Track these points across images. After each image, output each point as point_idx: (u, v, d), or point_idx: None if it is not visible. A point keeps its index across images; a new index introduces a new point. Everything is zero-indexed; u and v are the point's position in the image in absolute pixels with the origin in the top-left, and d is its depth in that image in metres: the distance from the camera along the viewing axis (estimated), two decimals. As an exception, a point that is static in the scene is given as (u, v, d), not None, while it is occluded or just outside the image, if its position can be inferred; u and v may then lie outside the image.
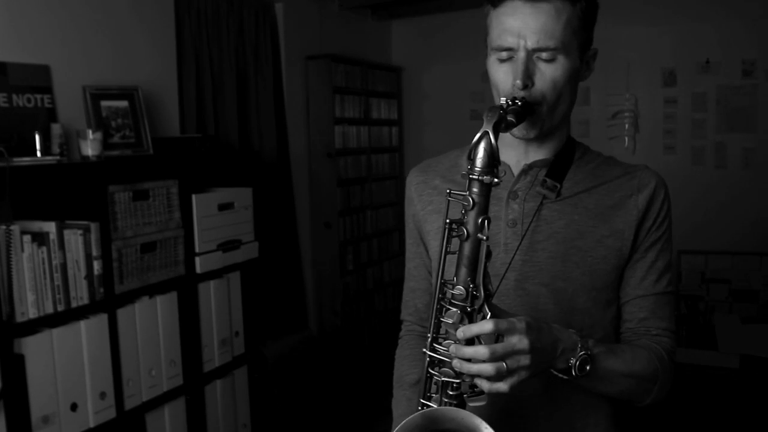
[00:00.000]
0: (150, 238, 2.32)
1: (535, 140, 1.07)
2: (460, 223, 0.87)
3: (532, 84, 0.98)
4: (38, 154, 2.22)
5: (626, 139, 4.45)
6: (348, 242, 4.30)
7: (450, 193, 0.88)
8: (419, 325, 1.23)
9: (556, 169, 1.08)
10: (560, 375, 0.94)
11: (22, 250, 1.90)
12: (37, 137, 2.22)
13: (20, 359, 1.89)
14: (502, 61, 1.00)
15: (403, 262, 1.28)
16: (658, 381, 1.04)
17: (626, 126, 4.44)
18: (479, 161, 0.85)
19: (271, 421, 3.12)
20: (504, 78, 1.00)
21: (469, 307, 0.86)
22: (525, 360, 0.85)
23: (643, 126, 4.42)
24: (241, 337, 2.79)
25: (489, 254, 0.87)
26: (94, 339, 2.10)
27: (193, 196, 2.51)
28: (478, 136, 0.86)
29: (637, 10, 4.28)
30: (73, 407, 2.04)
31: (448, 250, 0.89)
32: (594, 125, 4.52)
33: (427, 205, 1.17)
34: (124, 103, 2.59)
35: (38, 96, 2.33)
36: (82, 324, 2.07)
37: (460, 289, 0.86)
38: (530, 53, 0.97)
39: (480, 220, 0.85)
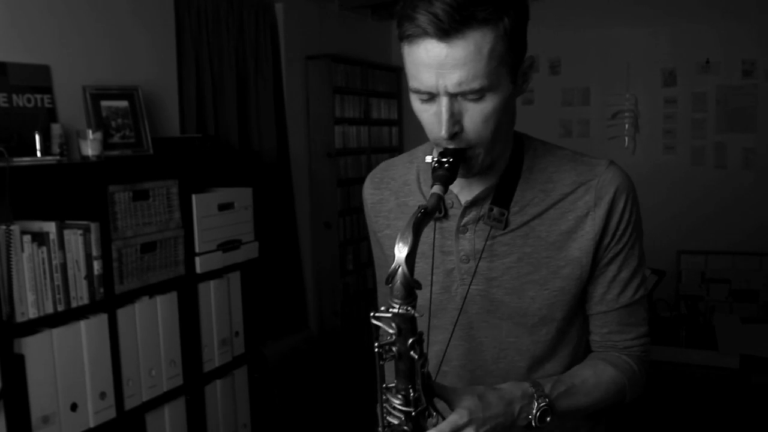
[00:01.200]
0: (150, 238, 2.32)
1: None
2: (390, 344, 0.84)
3: (461, 129, 0.88)
4: (38, 154, 2.22)
5: (626, 139, 4.45)
6: (348, 242, 4.30)
7: (374, 316, 0.84)
8: None
9: (500, 194, 0.99)
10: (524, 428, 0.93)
11: (22, 250, 1.90)
12: (37, 137, 2.22)
13: (20, 359, 1.89)
14: (423, 101, 0.89)
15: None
16: (626, 394, 1.03)
17: (626, 126, 4.45)
18: (396, 293, 0.82)
19: (271, 421, 3.12)
20: (430, 121, 0.90)
21: (413, 411, 0.85)
22: None
23: (643, 126, 4.42)
24: (241, 337, 2.79)
25: (425, 363, 0.85)
26: (94, 339, 2.10)
27: (193, 196, 2.51)
28: (392, 266, 0.82)
29: (637, 10, 4.28)
30: (73, 407, 2.04)
31: (382, 363, 0.87)
32: (594, 125, 4.52)
33: (384, 229, 1.14)
34: (124, 103, 2.59)
35: (38, 96, 2.33)
36: (82, 324, 2.07)
37: (400, 397, 0.85)
38: (453, 97, 0.86)
39: (409, 343, 0.83)
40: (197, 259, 2.53)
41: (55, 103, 2.39)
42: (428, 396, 0.86)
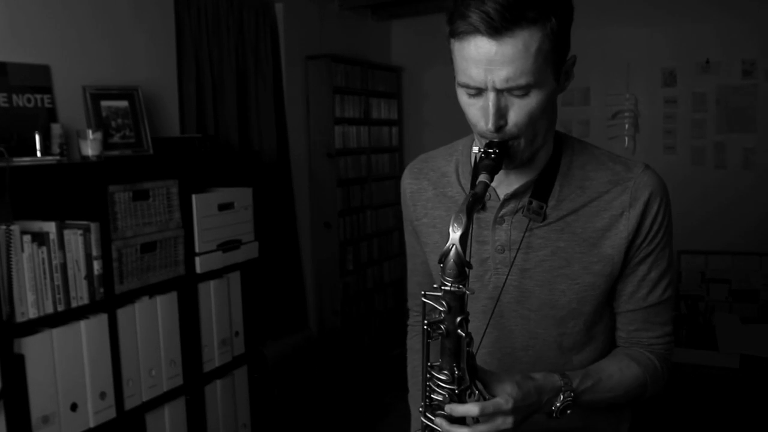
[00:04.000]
0: (150, 238, 2.32)
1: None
2: (440, 322, 0.87)
3: (506, 123, 0.92)
4: (38, 154, 2.22)
5: (626, 139, 4.45)
6: (348, 242, 4.30)
7: (425, 295, 0.88)
8: None
9: (540, 188, 1.03)
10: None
11: (22, 250, 1.90)
12: (37, 137, 2.22)
13: (20, 359, 1.89)
14: (470, 95, 0.94)
15: (402, 262, 1.30)
16: (647, 390, 1.06)
17: (626, 126, 4.44)
18: (449, 272, 0.85)
19: (271, 421, 3.11)
20: (476, 115, 0.94)
21: (457, 389, 0.88)
22: (509, 422, 0.89)
23: (643, 126, 4.42)
24: (241, 337, 2.79)
25: (470, 342, 0.89)
26: (94, 339, 2.10)
27: (193, 196, 2.51)
28: (447, 245, 0.85)
29: (638, 10, 4.28)
30: (73, 407, 2.04)
31: (429, 340, 0.90)
32: (594, 125, 4.52)
33: (422, 217, 1.16)
34: (124, 103, 2.59)
35: (38, 96, 2.33)
36: (82, 324, 2.07)
37: (445, 374, 0.88)
38: (500, 92, 0.90)
39: (458, 321, 0.86)
40: (197, 259, 2.53)
41: (55, 103, 2.39)
42: (472, 375, 0.89)
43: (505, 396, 0.88)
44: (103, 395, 2.13)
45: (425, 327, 0.87)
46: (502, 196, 1.04)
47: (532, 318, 1.05)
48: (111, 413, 2.16)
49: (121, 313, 2.21)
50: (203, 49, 3.12)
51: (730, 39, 4.12)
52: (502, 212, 1.05)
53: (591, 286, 1.02)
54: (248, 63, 3.44)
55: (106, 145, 2.42)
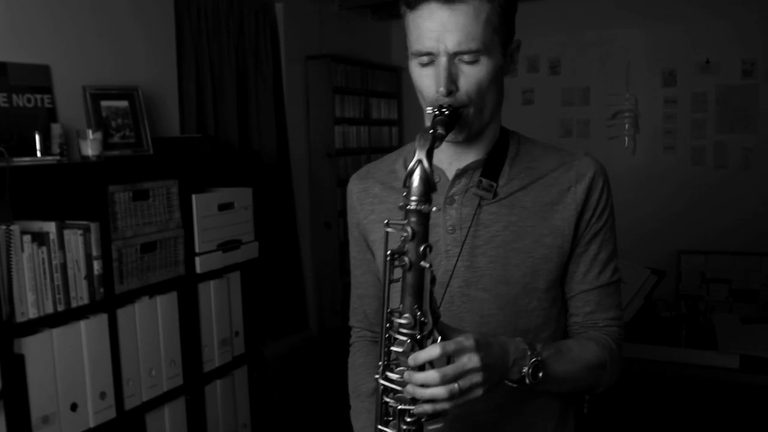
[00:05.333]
0: (150, 238, 2.32)
1: (465, 142, 1.05)
2: (402, 252, 0.85)
3: (457, 89, 0.96)
4: (38, 154, 2.22)
5: (626, 139, 4.45)
6: (348, 242, 4.29)
7: (388, 223, 0.86)
8: (369, 331, 1.22)
9: (490, 167, 1.06)
10: (513, 384, 0.94)
11: (22, 250, 1.90)
12: (37, 137, 2.22)
13: (20, 359, 1.89)
14: (423, 65, 0.98)
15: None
16: (606, 371, 1.05)
17: (626, 126, 4.44)
18: (415, 190, 0.84)
19: (271, 421, 3.12)
20: (427, 83, 0.98)
21: (419, 334, 0.85)
22: (477, 377, 0.85)
23: (643, 126, 4.42)
24: (241, 337, 2.79)
25: (434, 279, 0.86)
26: (94, 339, 2.10)
27: (193, 196, 2.51)
28: (411, 164, 0.84)
29: (638, 10, 4.28)
30: (73, 407, 2.04)
31: (391, 278, 0.88)
32: (594, 125, 4.52)
33: (369, 214, 1.15)
34: (124, 103, 2.59)
35: (38, 96, 2.33)
36: (82, 324, 2.07)
37: (407, 317, 0.85)
38: (451, 57, 0.94)
39: (422, 249, 0.84)
40: (197, 259, 2.53)
41: (55, 103, 2.39)
42: (435, 318, 0.86)
43: (467, 335, 0.86)
44: (103, 395, 2.13)
45: (387, 257, 0.85)
46: (451, 176, 1.06)
47: (485, 299, 1.04)
48: (111, 413, 2.16)
49: (121, 313, 2.21)
50: (203, 49, 3.12)
51: (730, 39, 4.12)
52: (452, 191, 1.06)
53: (544, 259, 1.03)
54: (248, 63, 3.44)
55: (106, 145, 2.42)
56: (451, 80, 0.95)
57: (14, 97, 2.25)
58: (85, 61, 2.54)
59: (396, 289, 0.87)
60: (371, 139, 4.57)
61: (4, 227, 1.85)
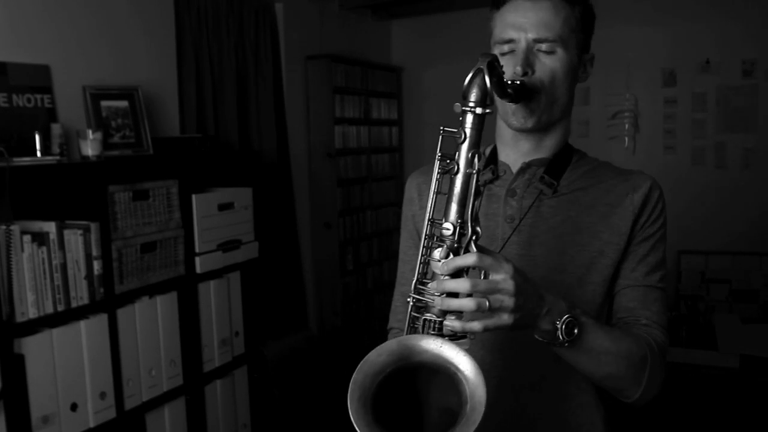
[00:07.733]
0: (150, 238, 2.32)
1: (532, 137, 1.09)
2: (451, 157, 0.86)
3: (532, 72, 1.02)
4: (38, 154, 2.22)
5: (626, 139, 4.45)
6: (348, 242, 4.29)
7: (443, 129, 0.89)
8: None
9: (553, 167, 1.10)
10: (544, 340, 0.91)
11: (22, 250, 1.90)
12: (37, 137, 2.22)
13: (20, 359, 1.89)
14: (503, 54, 1.04)
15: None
16: (647, 368, 1.00)
17: (626, 126, 4.44)
18: (473, 95, 0.85)
19: (271, 421, 3.12)
20: (507, 66, 1.02)
21: (456, 244, 0.84)
22: (508, 301, 0.82)
23: (643, 126, 4.42)
24: (241, 337, 2.79)
25: (479, 193, 0.86)
26: (94, 339, 2.10)
27: (193, 196, 2.51)
28: (472, 72, 0.85)
29: (637, 10, 4.28)
30: (73, 407, 2.04)
31: (438, 190, 0.89)
32: (594, 125, 4.52)
33: (428, 200, 1.16)
34: (124, 103, 2.59)
35: (38, 96, 2.33)
36: (82, 324, 2.07)
37: (448, 226, 0.84)
38: (531, 44, 1.02)
39: (470, 154, 0.85)
40: (197, 259, 2.53)
41: (55, 103, 2.39)
42: (474, 234, 0.84)
43: (502, 258, 0.85)
44: (103, 395, 2.13)
45: (438, 157, 0.88)
46: (515, 170, 1.11)
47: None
48: (111, 413, 2.16)
49: (121, 313, 2.21)
50: (203, 49, 3.12)
51: (730, 39, 4.12)
52: (514, 184, 1.10)
53: (599, 254, 1.06)
54: (248, 63, 3.44)
55: (106, 145, 2.42)
56: (528, 63, 1.02)
57: (14, 97, 2.25)
58: (85, 61, 2.54)
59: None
60: (371, 139, 4.56)
61: (4, 227, 1.85)
